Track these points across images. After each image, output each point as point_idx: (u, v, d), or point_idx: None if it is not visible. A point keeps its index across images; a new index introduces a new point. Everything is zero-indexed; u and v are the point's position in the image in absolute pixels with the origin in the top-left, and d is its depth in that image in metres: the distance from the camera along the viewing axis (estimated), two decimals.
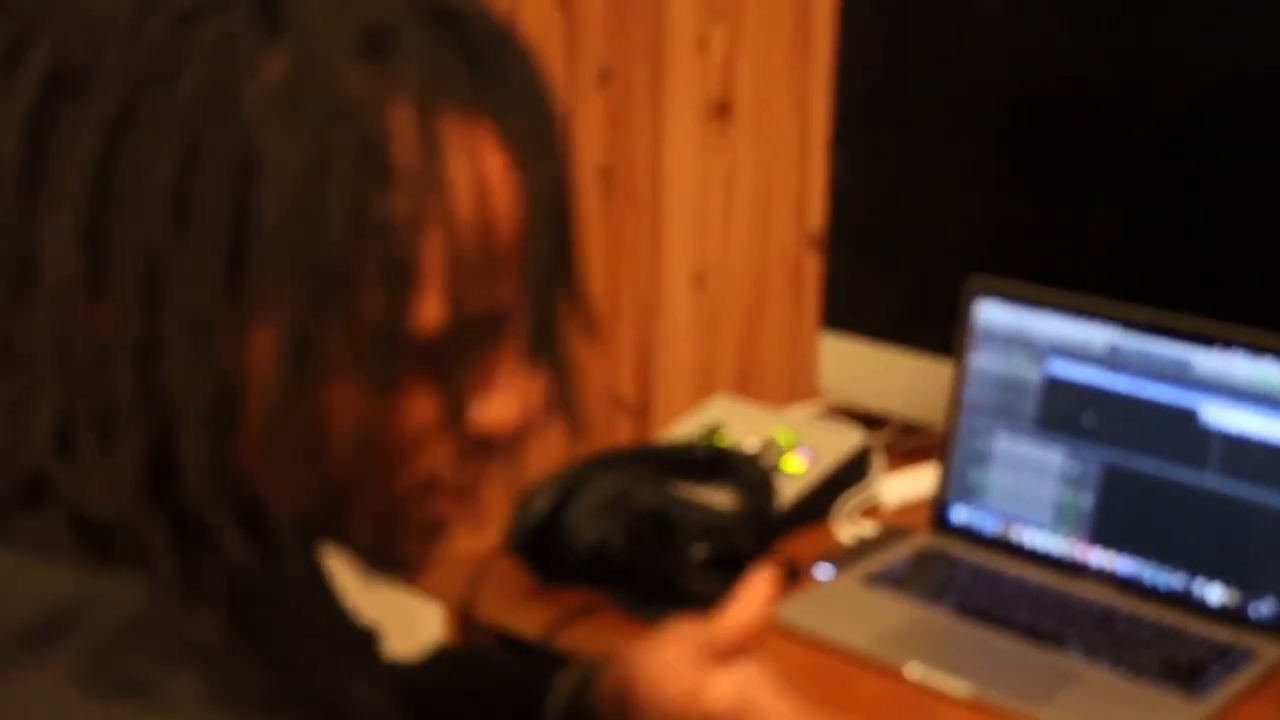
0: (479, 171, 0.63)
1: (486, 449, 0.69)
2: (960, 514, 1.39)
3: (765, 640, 0.94)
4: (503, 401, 0.67)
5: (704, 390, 1.96)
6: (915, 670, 1.18)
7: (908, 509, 1.46)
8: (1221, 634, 1.23)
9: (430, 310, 0.63)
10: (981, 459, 1.38)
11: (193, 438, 0.63)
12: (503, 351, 0.67)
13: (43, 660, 0.61)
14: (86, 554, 0.64)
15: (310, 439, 0.64)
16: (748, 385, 1.93)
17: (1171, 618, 1.25)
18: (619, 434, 2.08)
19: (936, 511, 1.41)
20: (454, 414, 0.66)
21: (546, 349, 0.68)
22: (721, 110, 1.90)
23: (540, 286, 0.66)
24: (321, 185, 0.60)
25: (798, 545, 1.38)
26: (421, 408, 0.65)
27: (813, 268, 1.85)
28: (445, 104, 0.62)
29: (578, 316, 0.70)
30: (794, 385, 1.89)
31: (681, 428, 1.53)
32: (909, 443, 1.58)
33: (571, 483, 1.28)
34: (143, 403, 0.62)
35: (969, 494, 1.39)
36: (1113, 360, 1.31)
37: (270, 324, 0.61)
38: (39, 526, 0.64)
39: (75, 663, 0.61)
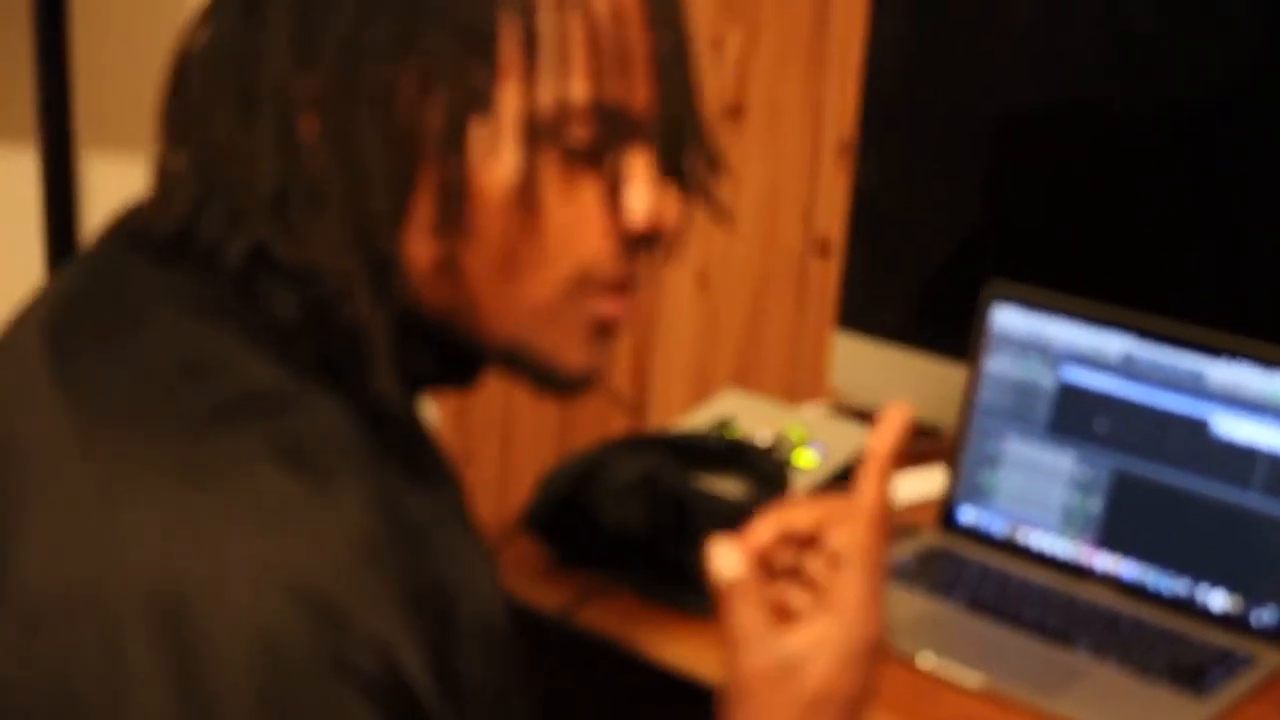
0: None
1: (637, 245, 0.77)
2: (968, 514, 1.42)
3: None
4: (644, 196, 0.76)
5: (701, 390, 1.97)
6: (927, 660, 1.20)
7: (914, 509, 1.48)
8: (1223, 639, 1.26)
9: (577, 88, 0.72)
10: (991, 461, 1.41)
11: (380, 196, 0.72)
12: (641, 156, 0.76)
13: (236, 430, 0.68)
14: (297, 351, 0.73)
15: (471, 207, 0.72)
16: (746, 387, 1.95)
17: (1174, 622, 1.28)
18: (612, 430, 2.10)
19: (944, 511, 1.43)
20: (608, 198, 0.75)
21: (674, 154, 0.76)
22: (733, 113, 1.92)
23: (670, 91, 0.75)
24: None
25: None
26: (575, 195, 0.74)
27: (817, 272, 1.87)
28: None
29: (703, 144, 0.79)
30: (793, 388, 1.91)
31: (691, 419, 1.55)
32: (917, 445, 1.60)
33: (593, 464, 1.30)
34: (341, 174, 0.72)
35: (977, 495, 1.41)
36: (1127, 369, 1.34)
37: (440, 90, 0.71)
38: (258, 315, 0.73)
39: (268, 436, 0.68)
